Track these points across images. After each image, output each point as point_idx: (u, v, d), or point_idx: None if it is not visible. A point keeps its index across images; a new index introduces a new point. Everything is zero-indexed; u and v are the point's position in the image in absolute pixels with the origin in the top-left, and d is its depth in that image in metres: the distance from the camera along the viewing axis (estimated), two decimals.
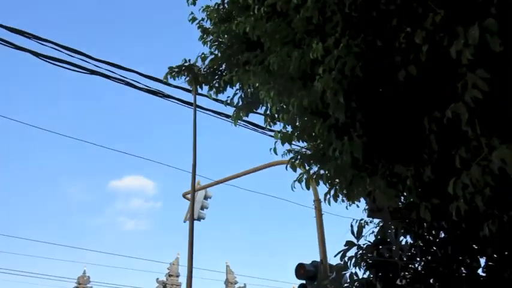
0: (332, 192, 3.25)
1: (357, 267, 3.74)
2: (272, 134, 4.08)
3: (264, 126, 4.78)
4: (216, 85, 4.23)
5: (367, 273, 3.74)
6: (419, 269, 3.59)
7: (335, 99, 2.47)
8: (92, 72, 6.69)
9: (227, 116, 6.68)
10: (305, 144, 3.80)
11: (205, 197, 11.31)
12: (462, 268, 3.38)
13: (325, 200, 3.26)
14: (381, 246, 3.55)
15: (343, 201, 4.75)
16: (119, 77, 6.92)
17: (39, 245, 26.08)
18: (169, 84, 6.89)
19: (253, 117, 7.79)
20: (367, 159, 2.74)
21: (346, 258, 3.71)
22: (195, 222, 11.24)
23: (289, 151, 3.67)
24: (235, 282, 25.68)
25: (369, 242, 3.66)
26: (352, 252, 3.68)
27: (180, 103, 7.87)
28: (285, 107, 3.37)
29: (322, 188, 10.84)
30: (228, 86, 4.33)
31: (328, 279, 3.79)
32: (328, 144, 2.77)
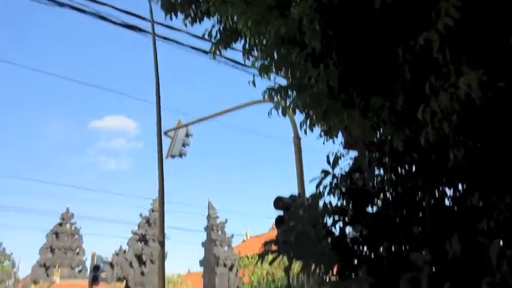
0: (308, 122, 3.33)
1: (332, 195, 3.92)
2: (252, 70, 4.06)
3: (243, 60, 4.75)
4: (192, 15, 4.13)
5: (341, 201, 3.93)
6: (390, 198, 3.78)
7: (311, 27, 2.47)
8: (61, 4, 6.42)
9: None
10: (284, 80, 3.82)
11: (187, 135, 11.39)
12: (429, 197, 3.58)
13: (300, 128, 3.34)
14: (354, 175, 3.70)
15: (320, 136, 4.86)
16: (92, 10, 6.68)
17: (24, 182, 26.20)
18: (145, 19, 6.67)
19: (235, 56, 7.70)
20: (343, 88, 2.79)
21: (321, 187, 3.88)
22: (177, 159, 11.36)
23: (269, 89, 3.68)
24: (217, 217, 26.48)
25: (344, 171, 3.81)
26: (327, 181, 3.84)
27: (162, 39, 7.69)
28: (262, 38, 3.35)
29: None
30: (206, 17, 4.24)
31: (303, 207, 3.96)
32: (304, 73, 2.80)
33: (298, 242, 4.04)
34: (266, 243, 4.03)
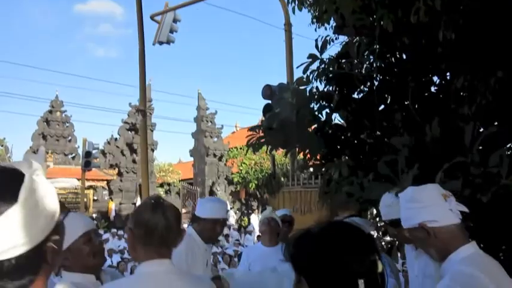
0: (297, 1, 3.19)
1: (318, 81, 3.91)
2: None
3: None
4: None
5: (328, 86, 3.93)
6: (376, 84, 3.78)
7: None
8: None
9: None
10: None
11: (174, 20, 10.94)
12: (415, 84, 3.59)
13: (288, 4, 3.21)
14: (342, 60, 3.66)
15: (312, 22, 4.70)
16: None
17: (11, 66, 25.72)
18: None
19: None
20: None
21: (308, 72, 3.85)
22: (165, 46, 11.03)
23: None
24: (207, 108, 26.68)
25: (332, 56, 3.76)
26: (314, 66, 3.80)
27: None
28: None
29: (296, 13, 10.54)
30: None
31: (289, 92, 3.97)
32: None
33: (283, 128, 4.12)
34: (252, 128, 4.11)
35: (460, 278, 1.62)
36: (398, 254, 3.40)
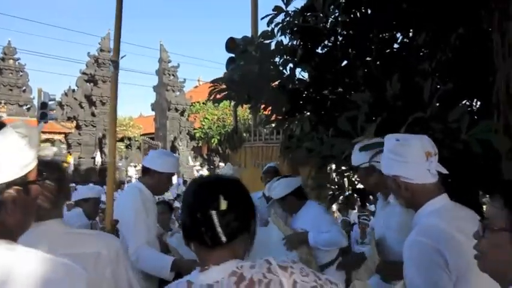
0: None
1: (283, 35, 3.83)
2: None
3: None
4: None
5: (293, 40, 3.87)
6: (340, 38, 3.75)
7: None
8: None
9: None
10: None
11: None
12: (378, 40, 3.58)
13: None
14: (307, 13, 3.59)
15: None
16: None
17: None
18: None
19: None
20: None
21: (273, 25, 3.76)
22: None
23: None
24: (169, 61, 26.00)
25: (297, 9, 3.67)
26: (279, 19, 3.71)
27: None
28: None
29: None
30: None
31: (254, 46, 3.88)
32: None
33: (246, 81, 4.05)
34: (214, 81, 4.02)
35: (425, 231, 1.63)
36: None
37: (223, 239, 1.18)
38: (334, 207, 7.03)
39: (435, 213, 1.70)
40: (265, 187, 4.24)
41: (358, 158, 2.66)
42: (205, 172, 22.93)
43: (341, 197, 3.60)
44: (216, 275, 1.16)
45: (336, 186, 3.57)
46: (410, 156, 1.75)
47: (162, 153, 3.19)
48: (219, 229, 1.17)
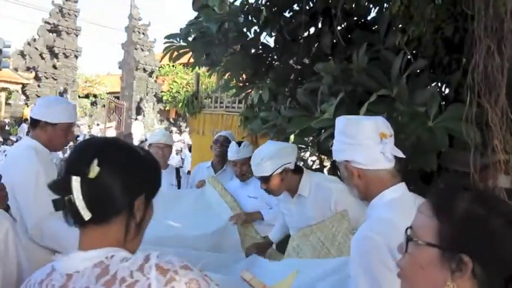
0: None
1: None
2: None
3: None
4: None
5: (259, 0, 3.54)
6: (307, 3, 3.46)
7: None
8: None
9: None
10: None
11: None
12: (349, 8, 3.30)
13: None
14: None
15: None
16: None
17: None
18: None
19: None
20: None
21: None
22: None
23: None
24: (140, 19, 24.91)
25: None
26: None
27: None
28: None
29: None
30: None
31: (217, 1, 3.52)
32: None
33: (206, 41, 3.72)
34: (169, 36, 3.65)
35: (377, 225, 1.43)
36: None
37: (86, 216, 0.95)
38: None
39: (389, 206, 1.48)
40: (214, 156, 3.99)
41: (267, 167, 2.43)
42: (174, 136, 22.42)
43: None
44: (79, 263, 0.96)
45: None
46: (361, 138, 1.52)
47: (53, 101, 2.47)
48: (80, 203, 0.94)
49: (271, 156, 2.42)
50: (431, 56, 2.54)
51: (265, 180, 2.46)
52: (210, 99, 5.91)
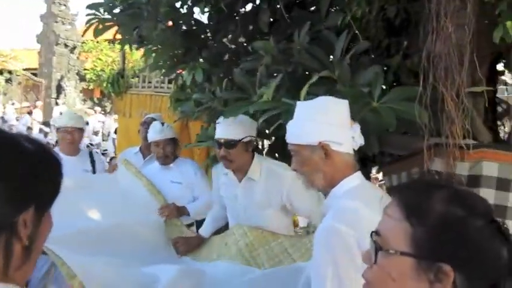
0: None
1: None
2: None
3: None
4: None
5: None
6: None
7: None
8: None
9: None
10: None
11: None
12: None
13: None
14: None
15: None
16: None
17: None
18: None
19: None
20: None
21: None
22: None
23: None
24: None
25: None
26: None
27: None
28: None
29: None
30: None
31: None
32: None
33: (134, 14, 3.41)
34: (91, 6, 3.29)
35: (344, 215, 1.35)
36: None
37: None
38: None
39: (351, 194, 1.41)
40: (142, 140, 3.74)
41: (239, 131, 2.36)
42: (99, 116, 21.25)
43: None
44: None
45: None
46: (340, 118, 1.47)
47: None
48: None
49: (244, 122, 2.29)
50: (373, 37, 2.47)
51: (231, 145, 2.34)
52: (137, 79, 5.56)
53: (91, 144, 12.96)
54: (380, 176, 7.19)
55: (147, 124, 3.65)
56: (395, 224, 0.78)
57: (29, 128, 14.40)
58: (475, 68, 1.82)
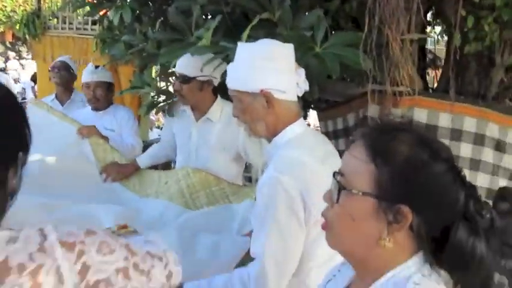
0: None
1: None
2: None
3: None
4: None
5: None
6: None
7: None
8: None
9: None
10: None
11: None
12: None
13: None
14: None
15: None
16: None
17: None
18: None
19: None
20: None
21: None
22: None
23: None
24: None
25: None
26: None
27: None
28: None
29: None
30: None
31: None
32: None
33: None
34: None
35: (286, 165, 1.30)
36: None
37: None
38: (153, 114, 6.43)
39: (294, 142, 1.36)
40: (56, 86, 3.62)
41: (195, 67, 2.22)
42: (13, 63, 19.45)
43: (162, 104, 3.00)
44: None
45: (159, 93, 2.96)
46: (285, 63, 1.37)
47: None
48: None
49: (205, 60, 2.13)
50: None
51: (185, 80, 2.26)
52: (56, 20, 5.07)
53: None
54: (311, 121, 7.36)
55: (56, 69, 3.54)
56: (359, 165, 0.77)
57: None
58: (418, 13, 1.83)
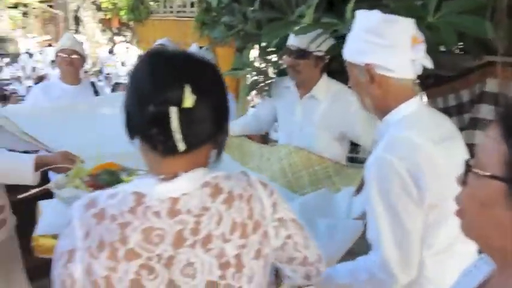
0: None
1: None
2: None
3: None
4: None
5: None
6: None
7: None
8: None
9: None
10: None
11: None
12: None
13: None
14: None
15: None
16: None
17: None
18: None
19: None
20: None
21: None
22: None
23: None
24: None
25: None
26: None
27: None
28: None
29: None
30: None
31: None
32: None
33: None
34: None
35: (395, 146, 1.22)
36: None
37: (182, 147, 0.85)
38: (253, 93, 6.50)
39: (406, 121, 1.26)
40: None
41: (310, 42, 2.13)
42: (119, 47, 20.93)
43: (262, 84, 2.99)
44: (185, 184, 0.88)
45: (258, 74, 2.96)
46: (395, 39, 1.25)
47: None
48: (177, 135, 0.83)
49: (322, 37, 2.09)
50: None
51: (301, 55, 2.19)
52: (157, 4, 5.30)
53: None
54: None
55: None
56: (490, 144, 0.67)
57: (53, 61, 14.37)
58: None
